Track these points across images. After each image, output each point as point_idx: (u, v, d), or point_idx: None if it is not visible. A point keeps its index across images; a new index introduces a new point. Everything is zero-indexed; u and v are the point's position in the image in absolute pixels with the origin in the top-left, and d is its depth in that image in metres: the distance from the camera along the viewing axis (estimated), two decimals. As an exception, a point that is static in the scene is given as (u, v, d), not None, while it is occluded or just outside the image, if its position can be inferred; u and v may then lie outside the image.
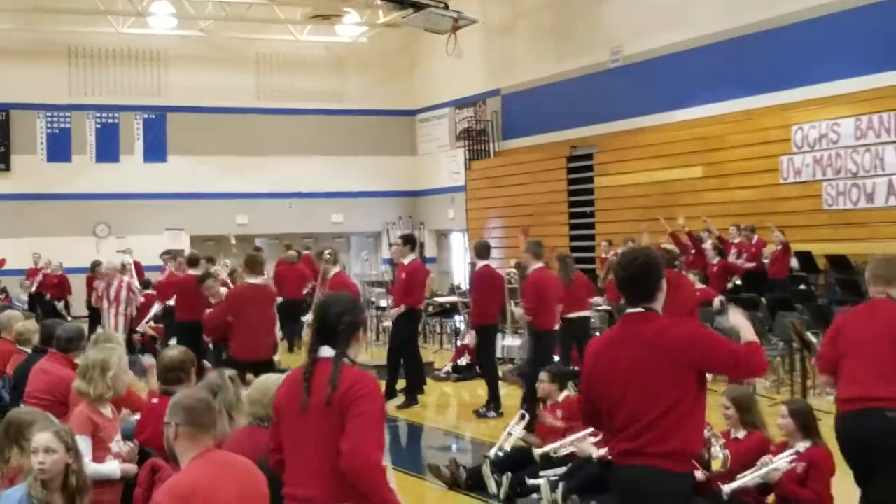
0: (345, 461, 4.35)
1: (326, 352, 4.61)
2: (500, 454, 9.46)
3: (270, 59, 31.68)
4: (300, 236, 29.68)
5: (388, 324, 17.40)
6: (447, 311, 21.39)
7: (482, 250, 14.47)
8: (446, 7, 26.70)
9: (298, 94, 31.66)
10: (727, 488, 6.94)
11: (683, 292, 11.94)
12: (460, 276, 29.48)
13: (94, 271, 21.63)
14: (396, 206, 32.96)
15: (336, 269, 14.10)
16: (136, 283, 19.51)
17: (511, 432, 9.68)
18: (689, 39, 22.05)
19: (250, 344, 11.50)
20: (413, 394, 14.24)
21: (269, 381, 6.09)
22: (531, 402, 11.37)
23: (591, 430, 8.23)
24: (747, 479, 7.00)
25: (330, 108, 31.99)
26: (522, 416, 9.88)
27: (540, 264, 13.04)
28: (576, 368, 13.71)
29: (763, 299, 16.39)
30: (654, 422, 4.78)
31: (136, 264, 22.10)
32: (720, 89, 21.18)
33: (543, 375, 10.05)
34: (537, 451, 9.14)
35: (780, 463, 7.04)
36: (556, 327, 12.95)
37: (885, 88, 17.86)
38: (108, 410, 6.80)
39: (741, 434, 7.57)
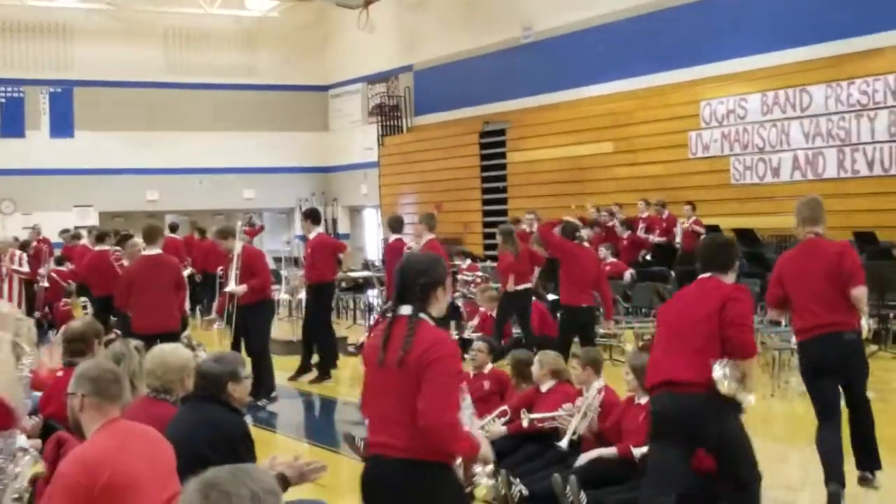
0: (421, 419, 4.53)
1: (405, 310, 4.75)
2: None
3: (180, 33, 31.25)
4: (211, 213, 29.41)
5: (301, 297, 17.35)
6: (360, 287, 21.35)
7: (395, 224, 14.51)
8: (358, -19, 26.61)
9: (209, 69, 31.29)
10: (583, 458, 7.55)
11: (581, 263, 12.39)
12: (374, 251, 29.43)
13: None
14: (309, 182, 32.77)
15: (430, 236, 13.92)
16: (25, 261, 18.92)
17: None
18: (601, 15, 22.22)
19: (151, 316, 11.32)
20: (326, 369, 14.20)
21: (164, 353, 6.00)
22: None
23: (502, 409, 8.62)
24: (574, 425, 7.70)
25: (241, 83, 31.66)
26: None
27: (432, 236, 13.60)
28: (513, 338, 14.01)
29: (672, 272, 16.67)
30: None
31: (46, 240, 21.74)
32: (630, 65, 21.37)
33: (480, 345, 9.97)
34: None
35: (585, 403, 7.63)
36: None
37: (791, 65, 18.23)
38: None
39: (644, 400, 7.62)
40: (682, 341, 6.13)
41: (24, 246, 19.87)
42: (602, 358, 8.88)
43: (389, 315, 4.87)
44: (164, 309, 11.51)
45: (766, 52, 18.67)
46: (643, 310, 15.95)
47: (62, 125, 29.97)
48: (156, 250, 11.94)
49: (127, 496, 4.45)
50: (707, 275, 6.32)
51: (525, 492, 7.58)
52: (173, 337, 10.29)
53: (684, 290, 6.74)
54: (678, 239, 18.65)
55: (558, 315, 13.31)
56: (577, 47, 22.79)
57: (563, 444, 7.85)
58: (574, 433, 7.96)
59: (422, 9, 28.22)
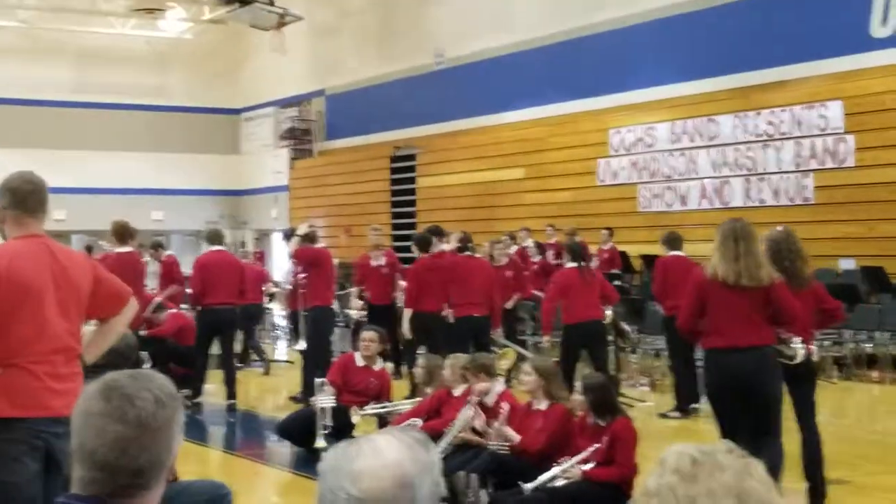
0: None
1: None
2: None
3: (91, 52, 30.92)
4: (119, 234, 29.04)
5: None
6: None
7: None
8: (271, 3, 26.61)
9: (119, 89, 30.98)
10: (528, 486, 7.17)
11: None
12: (279, 273, 29.28)
13: None
14: (218, 204, 32.57)
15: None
16: None
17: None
18: (512, 44, 22.56)
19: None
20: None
21: None
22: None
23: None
24: (546, 477, 7.22)
25: (153, 104, 31.43)
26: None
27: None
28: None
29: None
30: None
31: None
32: (542, 93, 21.72)
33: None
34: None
35: (573, 464, 7.21)
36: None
37: (699, 95, 18.71)
38: None
39: (543, 405, 7.79)
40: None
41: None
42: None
43: None
44: None
45: (675, 82, 19.13)
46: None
47: (-34, 142, 29.41)
48: (124, 248, 12.58)
49: (20, 292, 5.00)
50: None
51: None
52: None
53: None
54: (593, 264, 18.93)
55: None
56: (488, 74, 23.10)
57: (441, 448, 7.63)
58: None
59: (335, 33, 28.37)
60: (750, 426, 6.95)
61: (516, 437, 7.75)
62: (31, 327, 5.11)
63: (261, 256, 25.30)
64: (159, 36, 31.35)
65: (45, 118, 29.84)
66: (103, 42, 30.74)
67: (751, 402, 7.04)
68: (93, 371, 6.08)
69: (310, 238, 13.85)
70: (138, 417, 2.46)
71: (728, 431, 6.89)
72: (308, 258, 13.56)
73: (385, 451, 2.20)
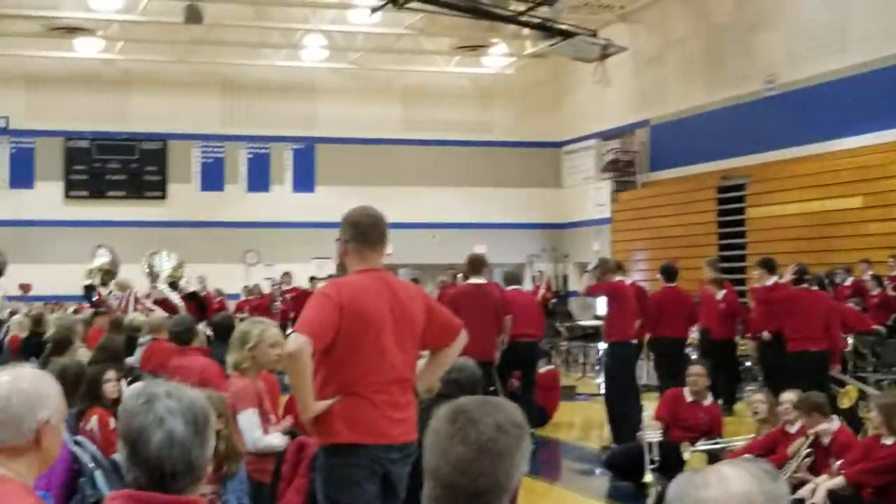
0: None
1: None
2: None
3: (416, 91, 31.93)
4: (443, 267, 29.62)
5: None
6: (590, 336, 21.34)
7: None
8: (594, 35, 26.51)
9: (443, 126, 31.86)
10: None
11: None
12: (602, 304, 29.04)
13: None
14: (540, 238, 32.77)
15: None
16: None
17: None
18: (848, 66, 21.45)
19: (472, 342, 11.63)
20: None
21: None
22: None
23: None
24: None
25: (475, 139, 32.09)
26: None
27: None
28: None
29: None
30: None
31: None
32: (881, 117, 20.51)
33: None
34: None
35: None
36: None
37: None
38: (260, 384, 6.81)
39: (890, 441, 7.57)
40: None
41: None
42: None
43: None
44: (483, 337, 11.35)
45: None
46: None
47: (304, 180, 31.03)
48: (479, 279, 12.67)
49: (362, 324, 5.32)
50: None
51: None
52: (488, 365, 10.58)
53: None
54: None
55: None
56: (823, 99, 22.03)
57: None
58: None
59: (659, 62, 27.96)
60: None
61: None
62: (371, 358, 5.33)
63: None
64: (482, 72, 31.96)
65: (375, 155, 31.02)
66: (429, 80, 31.67)
67: None
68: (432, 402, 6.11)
69: (611, 269, 13.55)
70: (479, 441, 2.59)
71: None
72: (605, 292, 13.30)
73: (731, 480, 2.19)
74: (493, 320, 12.28)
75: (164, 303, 18.66)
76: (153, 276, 20.50)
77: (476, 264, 12.99)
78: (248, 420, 6.41)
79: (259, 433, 6.43)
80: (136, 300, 19.09)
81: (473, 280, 12.85)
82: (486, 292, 12.77)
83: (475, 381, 6.82)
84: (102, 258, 22.91)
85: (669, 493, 2.22)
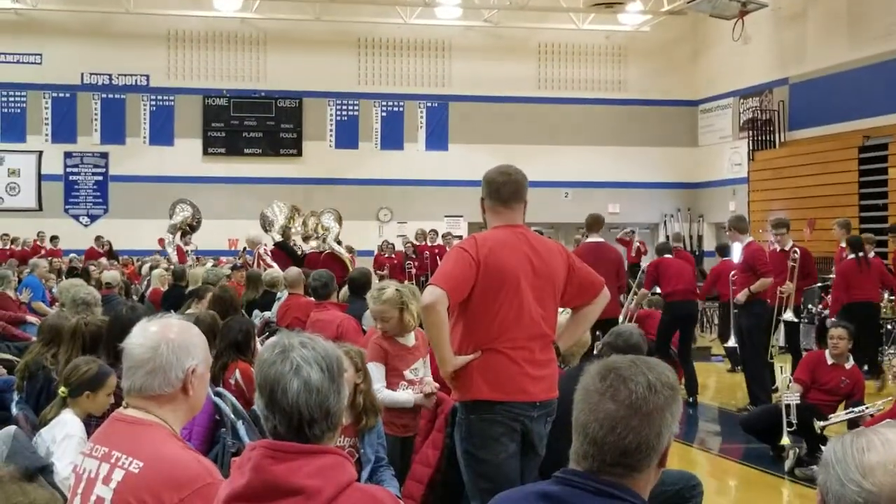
0: None
1: None
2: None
3: (551, 49, 31.72)
4: (575, 226, 29.53)
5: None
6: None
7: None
8: (734, -10, 25.96)
9: (578, 84, 31.66)
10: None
11: None
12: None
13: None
14: (674, 197, 32.36)
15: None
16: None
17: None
18: None
19: None
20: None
21: None
22: None
23: None
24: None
25: (609, 97, 31.79)
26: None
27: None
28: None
29: None
30: None
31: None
32: None
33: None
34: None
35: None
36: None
37: None
38: (409, 339, 6.82)
39: None
40: None
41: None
42: None
43: None
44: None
45: None
46: None
47: (437, 138, 31.13)
48: (597, 237, 12.90)
49: (498, 279, 5.28)
50: None
51: None
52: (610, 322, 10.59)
53: None
54: None
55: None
56: (973, 55, 21.25)
57: None
58: None
59: (800, 19, 27.23)
60: None
61: None
62: (509, 313, 5.30)
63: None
64: (618, 30, 31.59)
65: (508, 114, 30.92)
66: (564, 37, 31.43)
67: None
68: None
69: (743, 230, 13.40)
70: (629, 398, 2.60)
71: None
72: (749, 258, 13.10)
73: None
74: (615, 278, 12.29)
75: (276, 255, 19.17)
76: (267, 226, 20.94)
77: (595, 224, 13.18)
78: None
79: (380, 386, 6.47)
80: (260, 256, 19.59)
81: (592, 239, 12.90)
82: (607, 250, 12.86)
83: (638, 350, 6.75)
84: (184, 213, 23.52)
85: (828, 456, 2.20)
